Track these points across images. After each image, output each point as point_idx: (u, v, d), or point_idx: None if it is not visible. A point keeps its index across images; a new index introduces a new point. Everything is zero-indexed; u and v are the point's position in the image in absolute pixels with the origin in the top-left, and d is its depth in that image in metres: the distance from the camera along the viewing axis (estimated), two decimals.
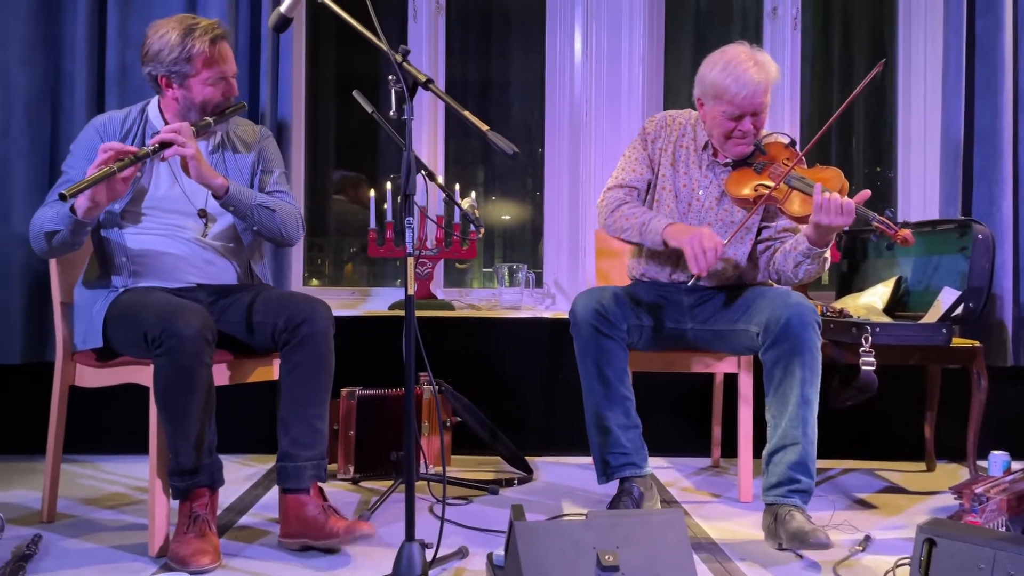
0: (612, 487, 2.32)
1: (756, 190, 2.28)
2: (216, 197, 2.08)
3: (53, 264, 2.23)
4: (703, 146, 2.40)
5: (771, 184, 2.25)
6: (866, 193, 2.09)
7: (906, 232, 2.06)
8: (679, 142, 2.42)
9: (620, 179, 2.42)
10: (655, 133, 2.44)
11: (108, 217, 2.13)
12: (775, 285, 2.48)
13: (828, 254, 2.23)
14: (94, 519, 2.28)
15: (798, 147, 2.39)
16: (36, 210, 2.10)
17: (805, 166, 2.34)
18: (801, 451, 2.08)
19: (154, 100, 2.23)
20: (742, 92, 2.22)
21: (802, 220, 2.22)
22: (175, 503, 1.99)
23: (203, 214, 2.19)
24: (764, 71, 2.24)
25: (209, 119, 2.13)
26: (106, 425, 2.96)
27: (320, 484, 2.05)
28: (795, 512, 2.05)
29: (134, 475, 2.76)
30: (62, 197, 1.84)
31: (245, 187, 2.18)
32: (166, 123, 2.15)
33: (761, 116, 2.29)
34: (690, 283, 2.25)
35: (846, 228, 2.08)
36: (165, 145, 1.98)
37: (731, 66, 2.23)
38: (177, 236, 2.16)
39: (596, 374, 2.23)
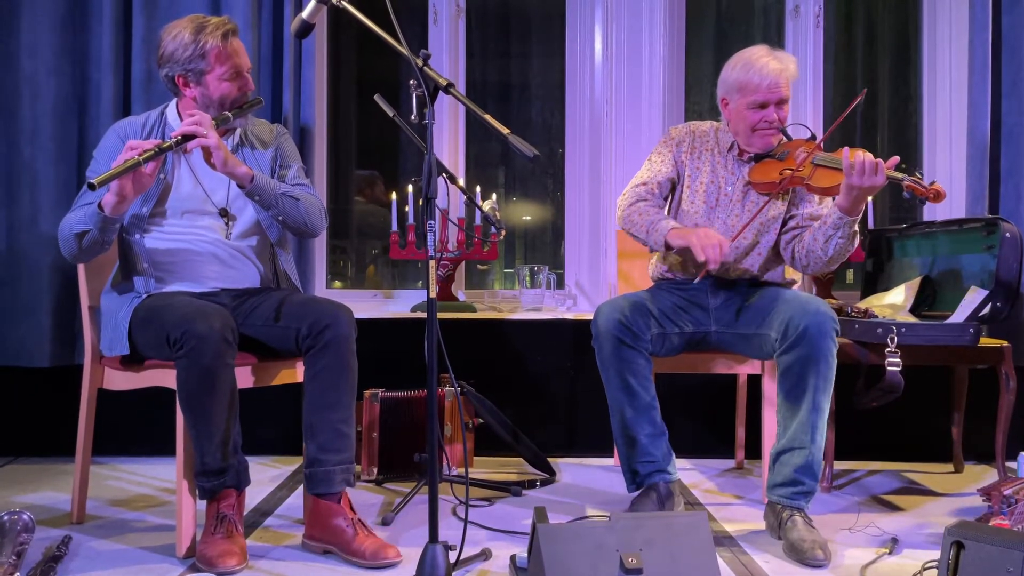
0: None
1: (781, 174, 2.35)
2: (241, 187, 2.09)
3: (81, 269, 2.26)
4: (728, 148, 2.47)
5: (796, 167, 2.31)
6: (895, 159, 2.14)
7: (937, 186, 2.13)
8: (703, 147, 2.50)
9: (644, 177, 2.48)
10: (680, 138, 2.52)
11: (133, 221, 2.16)
12: (796, 285, 2.48)
13: (857, 228, 2.25)
14: (122, 520, 2.31)
15: (818, 140, 2.43)
16: (64, 216, 2.12)
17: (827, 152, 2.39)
18: (808, 455, 2.12)
19: (172, 103, 2.25)
20: (765, 81, 2.33)
21: (831, 191, 2.27)
22: (202, 505, 2.01)
23: (224, 213, 2.21)
24: (783, 62, 2.37)
25: (228, 113, 2.14)
26: (133, 427, 2.99)
27: (348, 493, 2.05)
28: (797, 517, 2.09)
29: (161, 477, 2.79)
30: (91, 186, 1.85)
31: (268, 177, 2.19)
32: None
33: (785, 108, 2.39)
34: (696, 281, 2.29)
35: (879, 187, 2.13)
36: (188, 137, 1.99)
37: (751, 61, 2.36)
38: (200, 240, 2.18)
39: (620, 385, 2.24)
